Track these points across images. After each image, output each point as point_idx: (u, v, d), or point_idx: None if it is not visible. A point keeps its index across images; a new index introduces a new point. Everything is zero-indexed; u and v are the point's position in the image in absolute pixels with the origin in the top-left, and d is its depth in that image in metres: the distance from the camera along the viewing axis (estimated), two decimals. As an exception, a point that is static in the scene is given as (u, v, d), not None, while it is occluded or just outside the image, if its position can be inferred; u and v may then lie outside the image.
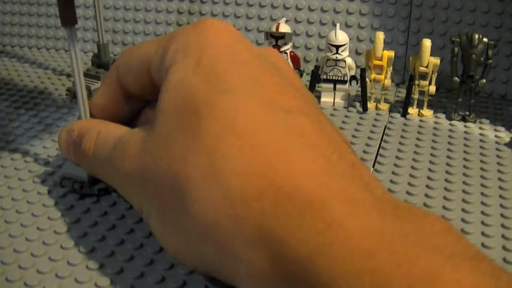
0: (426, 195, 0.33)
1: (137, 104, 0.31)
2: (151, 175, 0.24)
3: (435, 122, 0.43)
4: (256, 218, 0.21)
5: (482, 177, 0.35)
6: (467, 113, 0.43)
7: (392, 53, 0.44)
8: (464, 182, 0.35)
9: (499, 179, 0.35)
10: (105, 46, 0.47)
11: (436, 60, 0.43)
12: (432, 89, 0.44)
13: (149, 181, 0.25)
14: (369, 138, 0.40)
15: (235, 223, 0.21)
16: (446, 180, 0.35)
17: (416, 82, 0.43)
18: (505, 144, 0.40)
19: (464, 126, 0.43)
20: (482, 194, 0.33)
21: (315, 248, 0.19)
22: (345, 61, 0.44)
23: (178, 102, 0.24)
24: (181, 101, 0.24)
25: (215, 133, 0.22)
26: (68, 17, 0.31)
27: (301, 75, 0.47)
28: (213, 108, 0.23)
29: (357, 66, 0.46)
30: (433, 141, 0.40)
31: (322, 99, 0.46)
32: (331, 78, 0.45)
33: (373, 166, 0.37)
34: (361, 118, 0.44)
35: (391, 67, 0.45)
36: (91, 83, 0.44)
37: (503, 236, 0.30)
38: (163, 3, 0.56)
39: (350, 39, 0.45)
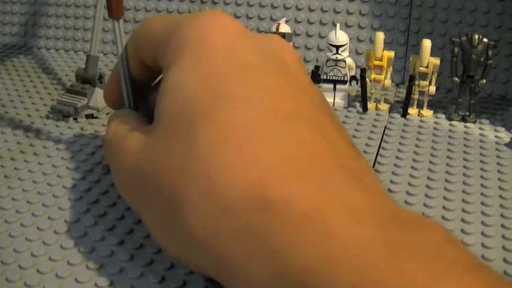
0: (426, 195, 0.33)
1: (153, 74, 0.31)
2: (149, 179, 0.24)
3: (435, 122, 0.43)
4: (254, 230, 0.20)
5: (482, 177, 0.35)
6: (467, 113, 0.43)
7: (392, 53, 0.44)
8: (464, 182, 0.35)
9: (499, 179, 0.35)
10: (95, 59, 0.43)
11: (436, 61, 0.43)
12: (432, 89, 0.44)
13: (147, 185, 0.24)
14: (369, 138, 0.40)
15: (233, 235, 0.21)
16: (446, 180, 0.35)
17: (416, 82, 0.43)
18: (505, 145, 0.40)
19: (464, 126, 0.43)
20: (482, 194, 0.33)
21: (314, 260, 0.19)
22: (345, 61, 0.44)
23: (175, 109, 0.24)
24: (179, 108, 0.24)
25: (212, 144, 0.22)
26: (117, 9, 0.31)
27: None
28: (209, 118, 0.22)
29: (357, 67, 0.46)
30: (433, 141, 0.40)
31: (322, 99, 0.46)
32: (331, 78, 0.45)
33: (373, 166, 0.37)
34: (361, 118, 0.44)
35: (391, 67, 0.45)
36: (77, 100, 0.41)
37: (503, 236, 0.30)
38: (163, 3, 0.56)
39: (350, 39, 0.45)
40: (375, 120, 0.44)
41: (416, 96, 0.44)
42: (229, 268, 0.21)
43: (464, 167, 0.37)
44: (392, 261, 0.18)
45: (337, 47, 0.43)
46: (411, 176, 0.36)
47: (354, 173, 0.22)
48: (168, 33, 0.26)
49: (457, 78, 0.43)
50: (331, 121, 0.25)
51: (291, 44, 0.46)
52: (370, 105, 0.45)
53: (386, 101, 0.46)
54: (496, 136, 0.41)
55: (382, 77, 0.45)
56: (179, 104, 0.24)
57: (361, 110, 0.45)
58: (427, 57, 0.42)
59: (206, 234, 0.22)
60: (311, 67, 0.47)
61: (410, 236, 0.19)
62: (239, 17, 0.54)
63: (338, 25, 0.44)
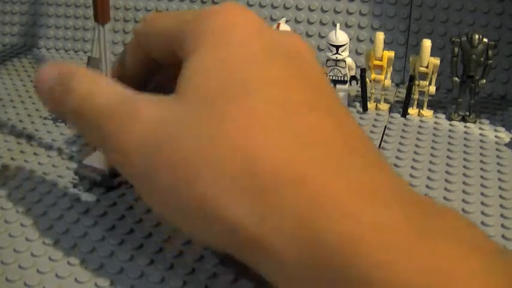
0: (426, 196, 0.33)
1: (153, 69, 0.31)
2: (158, 158, 0.24)
3: (435, 122, 0.43)
4: (275, 209, 0.21)
5: (482, 177, 0.35)
6: (467, 113, 0.43)
7: (392, 53, 0.44)
8: (464, 182, 0.35)
9: (499, 179, 0.35)
10: (96, 61, 0.42)
11: (436, 61, 0.43)
12: (432, 89, 0.44)
13: (160, 160, 0.24)
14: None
15: (249, 213, 0.21)
16: (446, 180, 0.35)
17: (416, 82, 0.43)
18: (505, 145, 0.40)
19: (464, 126, 0.43)
20: (482, 194, 0.33)
21: (347, 236, 0.19)
22: (345, 61, 0.44)
23: (191, 93, 0.24)
24: (195, 94, 0.24)
25: (224, 131, 0.23)
26: (103, 14, 0.31)
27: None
28: (223, 106, 0.23)
29: (357, 67, 0.46)
30: (433, 141, 0.40)
31: (322, 99, 0.46)
32: (331, 78, 0.45)
33: (373, 166, 0.37)
34: (361, 118, 0.44)
35: (391, 67, 0.45)
36: None
37: (503, 236, 0.30)
38: (163, 3, 0.56)
39: (350, 39, 0.45)
40: (375, 120, 0.44)
41: (416, 96, 0.44)
42: (248, 243, 0.22)
43: (464, 167, 0.37)
44: (419, 242, 0.19)
45: (337, 47, 0.43)
46: (411, 176, 0.36)
47: (368, 159, 0.23)
48: (184, 26, 0.27)
49: (457, 78, 0.43)
50: (341, 111, 0.25)
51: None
52: (370, 105, 0.45)
53: (386, 101, 0.46)
54: (496, 136, 0.41)
55: (382, 77, 0.45)
56: (195, 90, 0.24)
57: (361, 110, 0.45)
58: (427, 57, 0.42)
59: (222, 208, 0.22)
60: (311, 67, 0.46)
61: (432, 220, 0.20)
62: (239, 17, 0.54)
63: (338, 25, 0.44)
